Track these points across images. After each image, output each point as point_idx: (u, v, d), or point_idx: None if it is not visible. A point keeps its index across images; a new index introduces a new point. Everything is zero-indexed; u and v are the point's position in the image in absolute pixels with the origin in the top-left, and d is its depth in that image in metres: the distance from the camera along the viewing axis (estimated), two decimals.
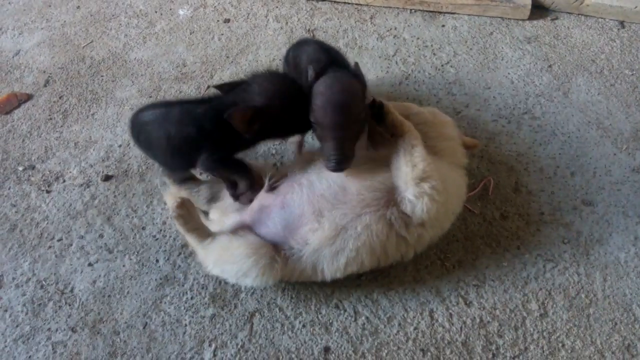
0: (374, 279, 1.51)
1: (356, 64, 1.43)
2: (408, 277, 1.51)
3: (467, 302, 1.46)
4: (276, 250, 1.34)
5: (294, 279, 1.40)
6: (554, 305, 1.45)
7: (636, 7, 2.25)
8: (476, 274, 1.52)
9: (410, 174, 1.31)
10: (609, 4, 2.28)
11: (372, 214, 1.32)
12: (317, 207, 1.33)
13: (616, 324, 1.41)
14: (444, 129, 1.55)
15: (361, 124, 1.37)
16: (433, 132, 1.51)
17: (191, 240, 1.42)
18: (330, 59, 1.51)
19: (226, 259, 1.35)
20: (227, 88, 1.41)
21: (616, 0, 2.29)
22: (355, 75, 1.39)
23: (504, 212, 1.67)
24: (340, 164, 1.31)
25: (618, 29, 2.28)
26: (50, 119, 2.00)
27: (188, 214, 1.38)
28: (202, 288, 1.51)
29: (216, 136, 1.38)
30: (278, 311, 1.45)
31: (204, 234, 1.41)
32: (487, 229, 1.62)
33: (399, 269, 1.53)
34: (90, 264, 1.58)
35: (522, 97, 2.01)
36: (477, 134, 1.88)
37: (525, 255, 1.56)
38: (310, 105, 1.34)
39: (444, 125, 1.57)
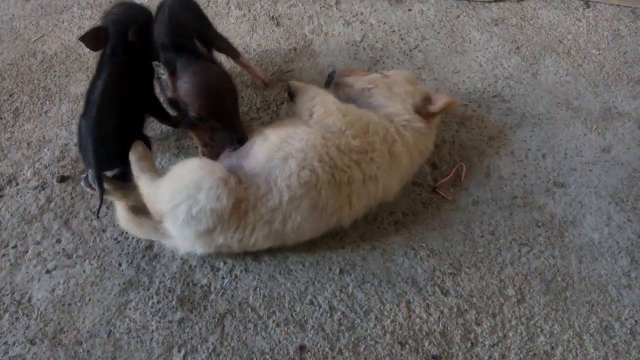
0: (349, 272, 1.46)
1: (212, 30, 1.66)
2: (383, 268, 1.47)
3: (444, 291, 1.43)
4: (230, 172, 1.37)
5: (251, 214, 1.34)
6: (531, 290, 1.43)
7: None
8: (452, 261, 1.49)
9: (302, 101, 1.56)
10: None
11: (308, 127, 1.45)
12: (264, 133, 1.44)
13: (593, 305, 1.40)
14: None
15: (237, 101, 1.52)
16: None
17: (143, 182, 1.41)
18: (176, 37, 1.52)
19: (179, 174, 1.36)
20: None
21: None
22: (209, 59, 1.51)
23: (476, 198, 1.64)
24: (244, 140, 1.46)
25: (583, 9, 2.27)
26: (1, 118, 1.88)
27: (144, 153, 1.46)
28: (169, 291, 1.44)
29: None
30: (250, 311, 1.39)
31: (157, 175, 1.42)
32: (460, 216, 1.59)
33: (372, 261, 1.48)
34: (48, 271, 1.48)
35: (492, 80, 1.99)
36: (448, 119, 1.84)
37: (499, 241, 1.54)
38: (189, 104, 1.42)
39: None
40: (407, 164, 1.52)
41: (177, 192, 1.32)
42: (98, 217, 1.56)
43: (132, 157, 1.44)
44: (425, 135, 1.57)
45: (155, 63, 1.44)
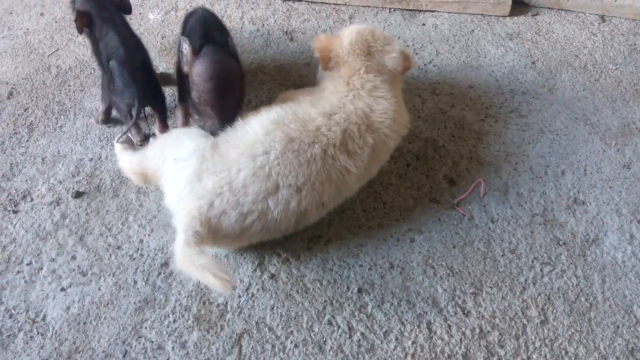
0: (367, 291, 1.44)
1: (230, 39, 1.66)
2: (402, 287, 1.45)
3: (465, 312, 1.40)
4: None
5: (233, 152, 1.40)
6: (554, 311, 1.40)
7: (616, 0, 2.23)
8: (472, 281, 1.46)
9: None
10: None
11: None
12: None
13: (618, 327, 1.37)
14: None
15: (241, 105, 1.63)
16: None
17: (127, 154, 1.59)
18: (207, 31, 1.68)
19: (167, 135, 1.59)
20: None
21: None
22: (231, 53, 1.62)
23: (495, 215, 1.61)
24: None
25: (599, 23, 2.26)
26: (15, 133, 1.87)
27: (129, 140, 1.69)
28: (185, 310, 1.41)
29: None
30: (268, 331, 1.37)
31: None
32: (480, 234, 1.57)
33: (391, 279, 1.46)
34: (63, 289, 1.47)
35: (508, 95, 1.97)
36: (465, 135, 1.83)
37: (521, 259, 1.51)
38: (195, 84, 1.54)
39: None
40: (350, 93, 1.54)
41: (166, 145, 1.49)
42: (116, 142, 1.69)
43: (118, 144, 1.65)
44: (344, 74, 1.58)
45: (182, 37, 1.60)
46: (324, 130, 1.44)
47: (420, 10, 2.33)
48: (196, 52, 1.55)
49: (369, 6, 2.36)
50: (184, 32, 1.77)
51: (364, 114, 1.49)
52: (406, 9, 2.34)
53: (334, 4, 2.38)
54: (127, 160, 1.58)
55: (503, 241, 1.55)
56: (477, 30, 2.24)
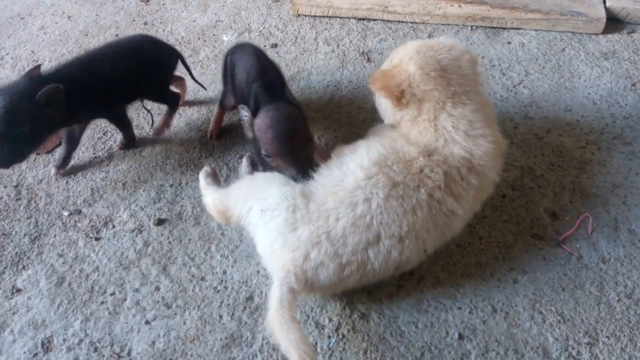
0: (469, 338, 1.32)
1: (287, 90, 1.59)
2: (507, 335, 1.32)
3: None
4: None
5: (331, 199, 1.30)
6: None
7: None
8: (587, 329, 1.32)
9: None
10: None
11: None
12: None
13: None
14: None
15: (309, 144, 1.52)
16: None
17: (211, 190, 1.52)
18: (266, 79, 1.59)
19: (251, 179, 1.45)
20: None
21: None
22: (290, 103, 1.52)
23: (607, 255, 1.47)
24: (304, 175, 1.42)
25: None
26: (95, 157, 1.87)
27: (213, 172, 1.62)
28: (273, 349, 1.34)
29: None
30: None
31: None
32: (591, 275, 1.43)
33: (494, 325, 1.34)
34: (147, 322, 1.42)
35: (609, 120, 1.82)
36: (565, 163, 1.69)
37: (639, 306, 1.36)
38: (259, 140, 1.47)
39: None
40: (431, 137, 1.36)
41: (249, 193, 1.38)
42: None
43: (202, 174, 1.60)
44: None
45: (241, 106, 1.52)
46: (427, 171, 1.31)
47: (504, 28, 2.21)
48: (255, 112, 1.49)
49: (448, 24, 2.26)
50: (234, 75, 1.70)
51: (463, 158, 1.34)
52: (489, 27, 2.22)
53: (411, 22, 2.29)
54: (210, 197, 1.51)
55: (617, 284, 1.40)
56: (569, 49, 2.10)
